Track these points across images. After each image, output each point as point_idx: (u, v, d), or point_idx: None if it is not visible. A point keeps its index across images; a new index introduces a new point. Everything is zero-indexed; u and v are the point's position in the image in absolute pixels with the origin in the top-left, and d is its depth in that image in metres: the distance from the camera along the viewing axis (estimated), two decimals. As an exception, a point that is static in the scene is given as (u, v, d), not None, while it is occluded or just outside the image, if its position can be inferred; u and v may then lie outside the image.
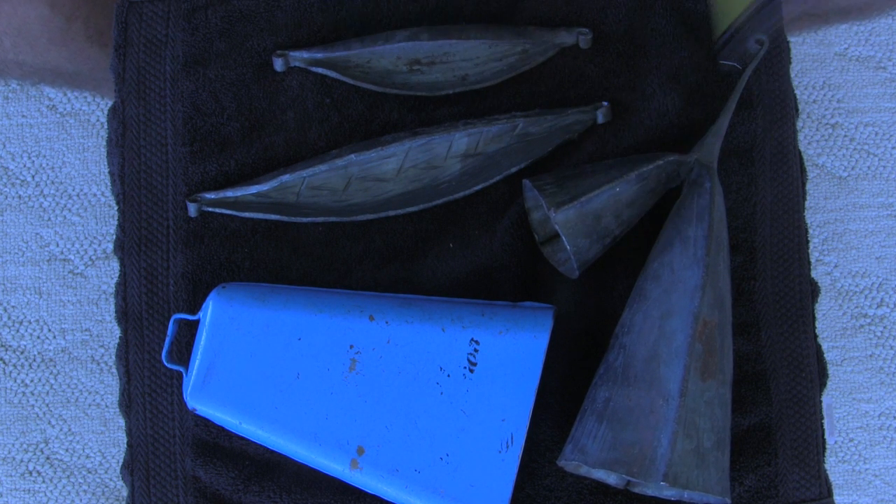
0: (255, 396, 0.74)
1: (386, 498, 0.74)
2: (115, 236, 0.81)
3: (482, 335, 0.74)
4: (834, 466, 1.19)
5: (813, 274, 0.83)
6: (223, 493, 0.78)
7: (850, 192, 1.23)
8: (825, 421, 0.81)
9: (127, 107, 0.82)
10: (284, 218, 0.79)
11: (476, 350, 0.74)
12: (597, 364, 0.77)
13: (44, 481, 1.16)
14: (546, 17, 0.83)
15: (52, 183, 1.19)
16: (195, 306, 0.79)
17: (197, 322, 0.77)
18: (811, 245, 1.09)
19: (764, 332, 0.81)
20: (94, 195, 1.19)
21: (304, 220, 0.79)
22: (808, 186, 0.84)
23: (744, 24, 0.72)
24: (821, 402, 0.81)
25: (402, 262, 0.80)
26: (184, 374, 0.75)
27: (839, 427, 1.20)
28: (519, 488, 0.77)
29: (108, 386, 1.17)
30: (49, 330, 1.17)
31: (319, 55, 0.81)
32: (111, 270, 1.18)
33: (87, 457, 1.17)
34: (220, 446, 0.78)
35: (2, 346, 1.17)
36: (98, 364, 1.17)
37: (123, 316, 0.80)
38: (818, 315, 0.90)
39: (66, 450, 1.17)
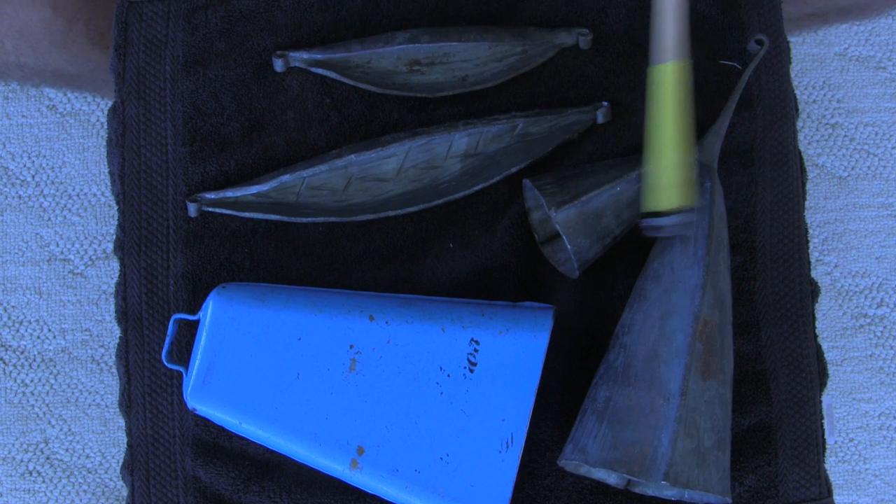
0: (255, 396, 0.74)
1: (386, 498, 0.74)
2: (115, 236, 0.81)
3: (482, 335, 0.74)
4: (834, 466, 1.19)
5: (813, 274, 0.83)
6: (223, 493, 0.78)
7: (850, 192, 1.23)
8: (825, 421, 0.81)
9: (127, 107, 0.82)
10: (284, 218, 0.79)
11: (476, 350, 0.74)
12: (597, 364, 0.77)
13: (44, 481, 1.16)
14: (546, 17, 0.83)
15: (52, 183, 1.19)
16: (195, 306, 0.79)
17: (197, 322, 0.77)
18: (811, 245, 1.09)
19: (764, 332, 0.81)
20: (94, 195, 1.19)
21: (304, 220, 0.80)
22: (808, 186, 0.84)
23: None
24: (821, 402, 0.81)
25: (402, 262, 0.80)
26: (184, 374, 0.75)
27: (839, 427, 1.20)
28: (519, 488, 0.77)
29: (108, 386, 1.17)
30: (49, 330, 1.17)
31: (319, 56, 0.81)
32: (111, 270, 1.18)
33: (87, 457, 1.17)
34: (220, 446, 0.78)
35: (2, 346, 1.17)
36: (98, 364, 1.17)
37: (123, 316, 0.80)
38: (818, 315, 0.91)
39: (66, 450, 1.17)
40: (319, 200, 0.80)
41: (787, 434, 0.80)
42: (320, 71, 0.81)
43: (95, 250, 1.18)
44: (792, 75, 0.84)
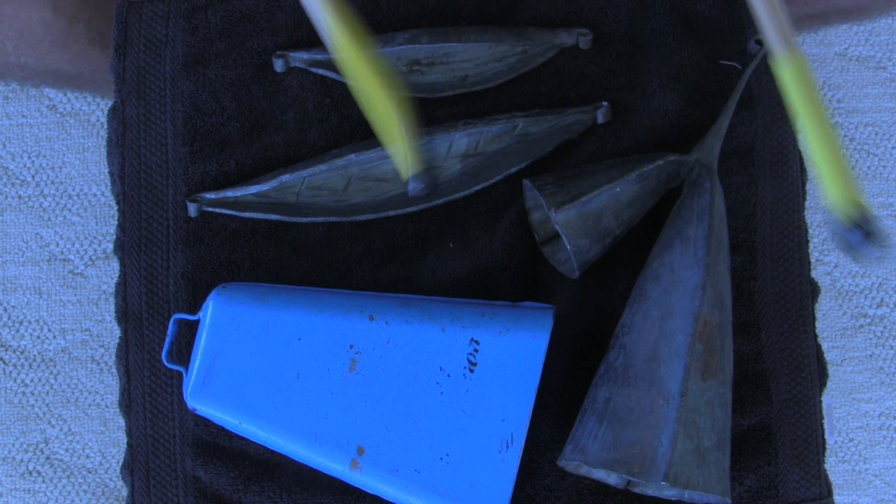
0: (255, 396, 0.74)
1: (386, 498, 0.74)
2: (115, 236, 0.81)
3: (482, 335, 0.74)
4: (834, 466, 1.19)
5: (813, 274, 0.83)
6: (223, 493, 0.78)
7: (850, 192, 1.23)
8: (825, 421, 0.81)
9: (127, 107, 0.82)
10: (284, 218, 0.79)
11: (476, 350, 0.74)
12: (597, 364, 0.77)
13: (44, 481, 1.16)
14: (546, 17, 0.83)
15: (52, 183, 1.19)
16: (195, 306, 0.79)
17: (197, 322, 0.77)
18: (811, 245, 1.09)
19: (764, 332, 0.81)
20: (94, 195, 1.19)
21: (304, 220, 0.79)
22: (808, 186, 0.84)
23: None
24: (821, 402, 0.81)
25: (402, 262, 0.80)
26: (184, 374, 0.75)
27: (839, 427, 1.20)
28: (519, 488, 0.77)
29: (108, 386, 1.17)
30: (49, 330, 1.17)
31: (319, 56, 0.81)
32: (111, 270, 1.18)
33: (87, 457, 1.17)
34: (220, 446, 0.78)
35: (2, 346, 1.17)
36: (98, 364, 1.17)
37: (123, 316, 0.80)
38: (818, 315, 0.90)
39: (66, 450, 1.17)
40: (319, 200, 0.80)
41: (787, 434, 0.80)
42: (320, 71, 0.81)
43: (95, 250, 1.18)
44: (792, 75, 0.84)
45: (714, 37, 0.83)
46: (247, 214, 0.79)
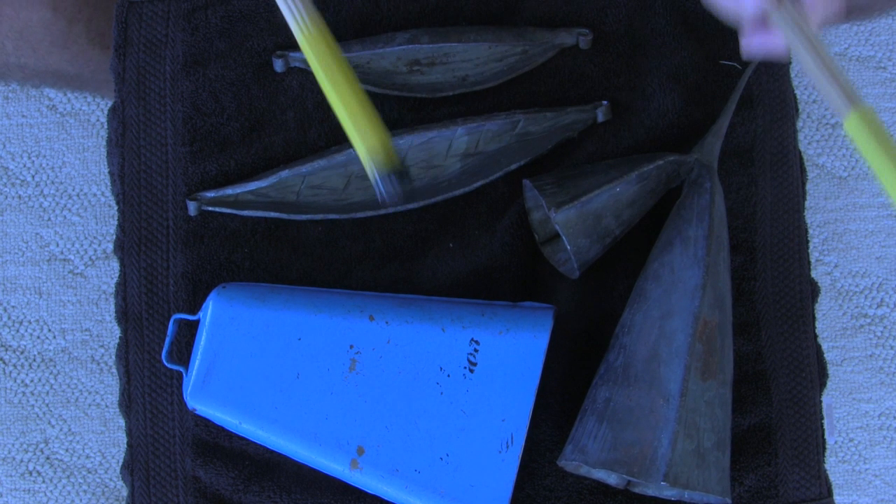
0: (255, 396, 0.74)
1: (386, 498, 0.74)
2: (115, 236, 0.81)
3: (482, 335, 0.74)
4: (834, 466, 1.19)
5: (813, 274, 0.83)
6: (223, 493, 0.78)
7: (850, 192, 1.23)
8: (825, 421, 0.81)
9: (127, 107, 0.82)
10: (284, 215, 0.79)
11: (476, 350, 0.74)
12: (597, 364, 0.77)
13: (44, 481, 1.16)
14: (546, 17, 0.83)
15: (52, 183, 1.19)
16: (195, 306, 0.79)
17: (197, 322, 0.77)
18: (811, 245, 1.09)
19: (764, 332, 0.81)
20: (94, 195, 1.19)
21: (304, 217, 0.79)
22: (808, 186, 0.84)
23: None
24: (821, 402, 0.81)
25: (402, 262, 0.80)
26: (184, 374, 0.75)
27: (839, 427, 1.20)
28: (519, 488, 0.77)
29: (108, 386, 1.17)
30: (49, 330, 1.17)
31: (319, 55, 0.81)
32: (111, 270, 1.18)
33: (87, 457, 1.17)
34: (220, 446, 0.78)
35: (2, 346, 1.17)
36: (98, 364, 1.17)
37: (123, 316, 0.80)
38: (818, 315, 0.90)
39: (66, 450, 1.17)
40: (319, 199, 0.80)
41: (787, 434, 0.80)
42: (320, 71, 0.81)
43: (95, 250, 1.18)
44: (792, 75, 0.84)
45: (714, 37, 0.83)
46: (246, 213, 0.79)
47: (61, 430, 1.17)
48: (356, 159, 0.79)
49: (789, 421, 0.80)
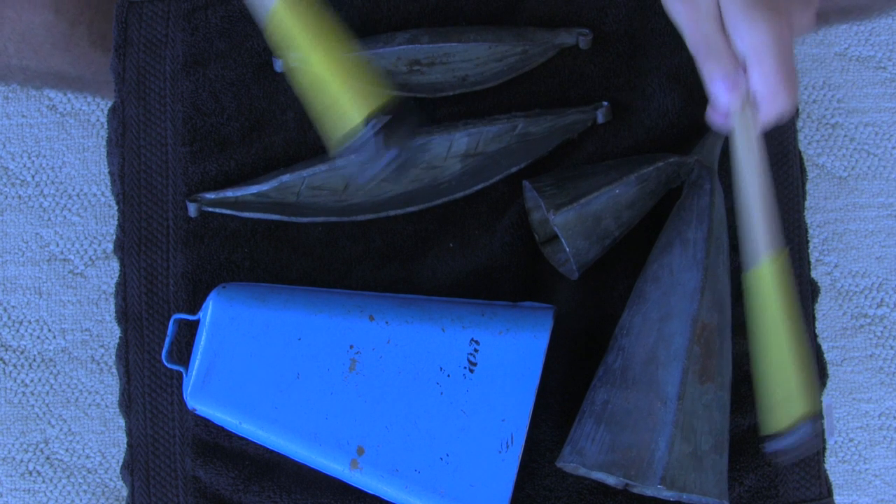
0: (255, 396, 0.74)
1: (386, 498, 0.74)
2: (115, 236, 0.81)
3: (482, 335, 0.74)
4: (834, 466, 1.19)
5: (813, 274, 0.83)
6: (223, 493, 0.78)
7: (850, 192, 1.23)
8: (825, 421, 0.81)
9: (127, 107, 0.82)
10: (284, 218, 0.79)
11: (476, 350, 0.74)
12: (596, 365, 0.77)
13: (44, 481, 1.16)
14: (546, 17, 0.83)
15: (52, 183, 1.19)
16: (195, 306, 0.79)
17: (197, 322, 0.77)
18: (811, 245, 1.09)
19: (764, 333, 0.81)
20: (94, 195, 1.19)
21: (304, 220, 0.80)
22: (808, 186, 0.84)
23: None
24: (821, 402, 0.81)
25: (402, 262, 0.80)
26: (184, 374, 0.75)
27: (839, 427, 1.20)
28: (519, 488, 0.77)
29: (108, 386, 1.17)
30: (49, 330, 1.17)
31: (319, 55, 0.81)
32: (111, 270, 1.18)
33: (87, 457, 1.17)
34: (220, 446, 0.78)
35: (2, 346, 1.17)
36: (98, 364, 1.17)
37: (123, 316, 0.80)
38: (818, 315, 0.91)
39: (66, 450, 1.17)
40: (319, 200, 0.80)
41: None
42: (320, 71, 0.81)
43: (95, 250, 1.18)
44: (792, 76, 0.84)
45: (714, 37, 0.83)
46: (247, 214, 0.79)
47: (61, 430, 1.17)
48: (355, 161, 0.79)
49: (789, 421, 0.80)
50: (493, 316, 0.75)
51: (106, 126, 0.97)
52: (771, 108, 0.64)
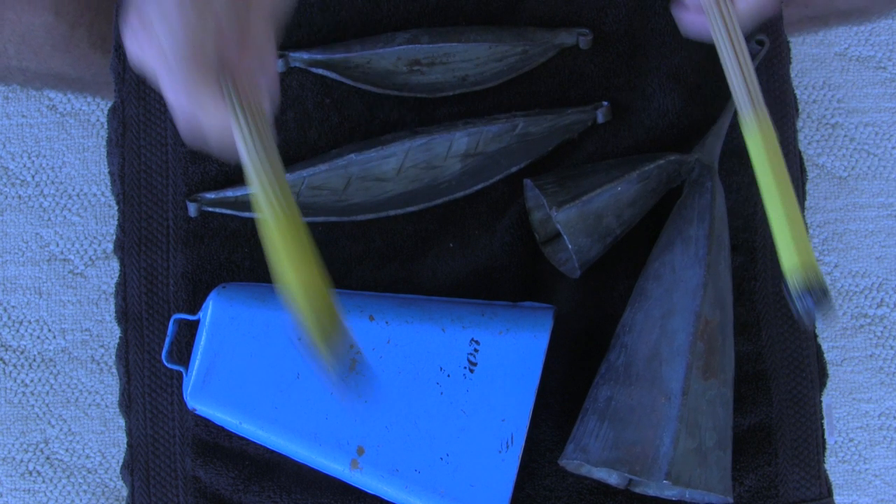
0: (255, 396, 0.74)
1: (386, 498, 0.74)
2: (115, 236, 0.81)
3: (482, 335, 0.74)
4: (834, 466, 1.19)
5: (813, 274, 0.83)
6: (223, 493, 0.78)
7: (850, 192, 1.23)
8: (825, 421, 0.81)
9: (127, 107, 0.82)
10: (284, 218, 0.79)
11: (476, 350, 0.74)
12: (597, 364, 0.77)
13: (44, 481, 1.16)
14: (546, 17, 0.83)
15: (52, 183, 1.19)
16: (195, 306, 0.79)
17: (197, 322, 0.77)
18: (811, 245, 1.09)
19: (764, 332, 0.81)
20: (94, 195, 1.19)
21: (305, 219, 0.79)
22: (808, 186, 0.84)
23: None
24: (821, 402, 0.81)
25: (402, 262, 0.80)
26: (184, 374, 0.75)
27: (839, 427, 1.20)
28: (519, 488, 0.77)
29: (108, 386, 1.17)
30: (49, 330, 1.17)
31: (319, 56, 0.81)
32: (111, 270, 1.18)
33: (87, 457, 1.17)
34: (220, 446, 0.78)
35: (2, 346, 1.17)
36: (98, 364, 1.17)
37: (123, 316, 0.80)
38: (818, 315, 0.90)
39: (66, 450, 1.17)
40: (319, 200, 0.80)
41: (787, 434, 0.80)
42: (320, 71, 0.81)
43: (95, 250, 1.18)
44: (792, 75, 0.84)
45: (714, 37, 0.83)
46: (247, 214, 0.79)
47: (61, 430, 1.17)
48: (356, 161, 0.79)
49: (789, 421, 0.80)
50: (493, 316, 0.75)
51: (106, 126, 0.97)
52: None
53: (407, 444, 0.73)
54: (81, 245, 1.18)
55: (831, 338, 1.20)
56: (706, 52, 0.83)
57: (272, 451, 0.77)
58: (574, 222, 0.74)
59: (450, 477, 0.73)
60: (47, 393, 1.17)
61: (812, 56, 1.24)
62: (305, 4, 0.82)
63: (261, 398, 0.74)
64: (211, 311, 0.75)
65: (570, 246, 0.74)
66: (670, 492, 0.75)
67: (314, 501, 0.77)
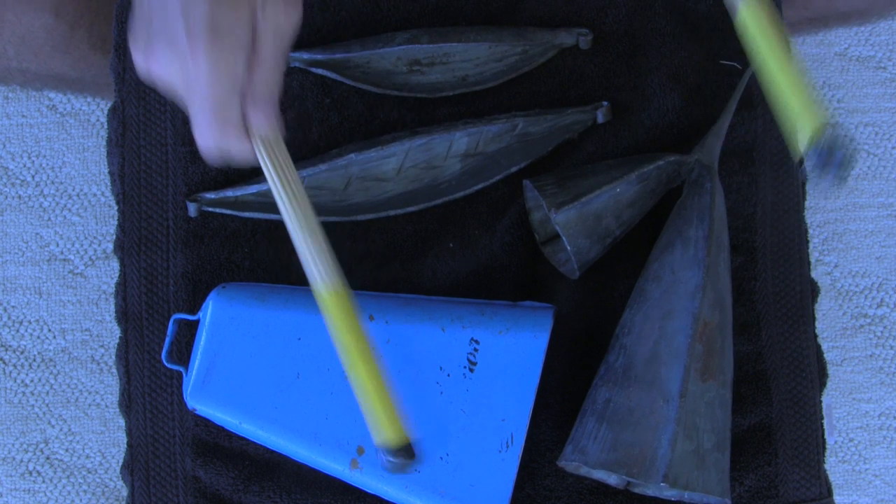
0: (255, 396, 0.74)
1: (386, 498, 0.74)
2: (115, 236, 0.81)
3: (482, 335, 0.74)
4: (834, 466, 1.19)
5: (813, 274, 0.83)
6: (223, 493, 0.78)
7: (850, 192, 1.23)
8: (825, 421, 0.81)
9: (127, 107, 0.82)
10: (284, 218, 0.79)
11: (476, 350, 0.74)
12: (597, 364, 0.77)
13: (44, 481, 1.16)
14: (546, 17, 0.83)
15: (52, 183, 1.19)
16: (195, 306, 0.79)
17: (197, 322, 0.77)
18: (811, 245, 1.09)
19: (764, 333, 0.81)
20: (94, 195, 1.19)
21: (304, 220, 0.79)
22: (808, 186, 0.84)
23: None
24: (821, 402, 0.81)
25: (402, 262, 0.80)
26: (184, 374, 0.75)
27: (839, 427, 1.20)
28: (519, 488, 0.77)
29: (108, 386, 1.17)
30: (49, 330, 1.17)
31: (319, 56, 0.81)
32: (111, 270, 1.18)
33: (87, 457, 1.17)
34: (220, 446, 0.78)
35: (2, 346, 1.17)
36: (98, 364, 1.17)
37: (123, 316, 0.80)
38: (818, 315, 0.91)
39: (66, 450, 1.17)
40: (319, 200, 0.80)
41: (787, 434, 0.80)
42: (320, 71, 0.81)
43: (95, 250, 1.18)
44: (792, 75, 0.84)
45: (714, 37, 0.83)
46: (247, 214, 0.79)
47: (61, 430, 1.17)
48: (356, 161, 0.79)
49: (789, 421, 0.80)
50: (493, 316, 0.75)
51: (106, 126, 0.97)
52: None
53: (407, 444, 0.73)
54: (81, 245, 1.18)
55: (831, 338, 1.20)
56: (706, 52, 0.83)
57: (272, 451, 0.77)
58: (573, 223, 0.74)
59: (450, 477, 0.73)
60: (47, 393, 1.17)
61: (812, 56, 1.24)
62: (305, 4, 0.82)
63: (261, 398, 0.74)
64: (211, 311, 0.75)
65: (568, 247, 0.74)
66: (669, 493, 0.75)
67: (314, 501, 0.77)
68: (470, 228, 0.80)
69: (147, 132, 0.81)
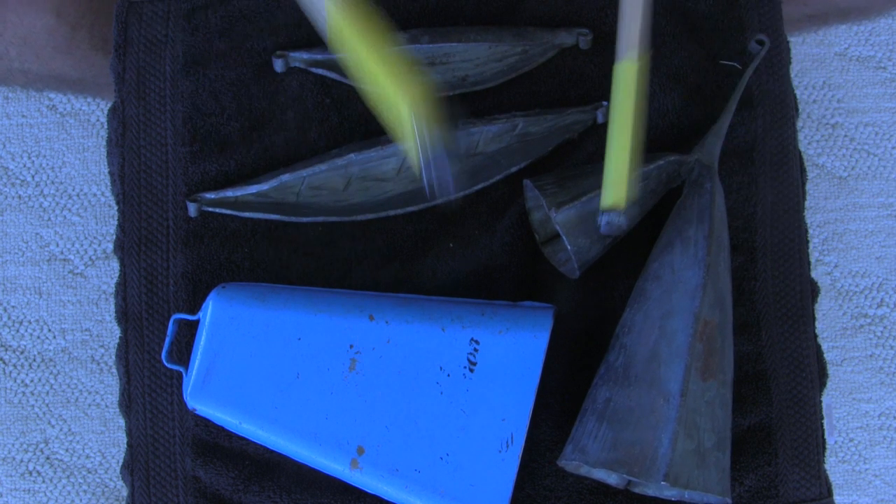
0: (255, 396, 0.74)
1: (386, 498, 0.74)
2: (115, 236, 0.81)
3: (482, 335, 0.74)
4: (834, 466, 1.19)
5: (813, 274, 0.83)
6: (223, 493, 0.78)
7: (850, 192, 1.23)
8: (825, 421, 0.81)
9: (127, 107, 0.82)
10: (284, 218, 0.79)
11: (476, 350, 0.74)
12: (597, 364, 0.77)
13: (44, 481, 1.16)
14: (546, 17, 0.83)
15: (52, 183, 1.19)
16: (195, 306, 0.79)
17: (197, 322, 0.77)
18: (811, 245, 1.09)
19: (764, 332, 0.81)
20: (94, 195, 1.19)
21: (304, 220, 0.80)
22: (808, 186, 0.84)
23: None
24: (821, 402, 0.81)
25: (402, 262, 0.80)
26: (184, 374, 0.75)
27: (839, 427, 1.20)
28: (519, 488, 0.77)
29: (108, 386, 1.17)
30: (49, 330, 1.17)
31: (319, 56, 0.81)
32: (111, 270, 1.18)
33: (87, 457, 1.17)
34: (220, 446, 0.78)
35: (2, 346, 1.17)
36: (98, 364, 1.17)
37: (123, 316, 0.80)
38: (818, 315, 0.91)
39: (66, 450, 1.17)
40: (319, 200, 0.80)
41: (787, 434, 0.80)
42: (320, 71, 0.81)
43: (95, 250, 1.18)
44: (792, 75, 0.84)
45: (714, 37, 0.83)
46: (247, 214, 0.79)
47: (61, 430, 1.17)
48: (356, 161, 0.79)
49: (789, 421, 0.80)
50: (493, 316, 0.75)
51: (106, 126, 0.97)
52: None
53: (407, 443, 0.73)
54: (81, 245, 1.18)
55: (831, 338, 1.20)
56: (706, 52, 0.83)
57: (272, 451, 0.77)
58: (573, 223, 0.74)
59: (450, 477, 0.73)
60: (47, 393, 1.17)
61: (812, 56, 1.24)
62: (305, 4, 0.82)
63: (261, 398, 0.74)
64: (211, 311, 0.75)
65: (569, 247, 0.74)
66: (669, 492, 0.75)
67: (314, 501, 0.77)
68: (470, 228, 0.80)
69: (147, 132, 0.81)
